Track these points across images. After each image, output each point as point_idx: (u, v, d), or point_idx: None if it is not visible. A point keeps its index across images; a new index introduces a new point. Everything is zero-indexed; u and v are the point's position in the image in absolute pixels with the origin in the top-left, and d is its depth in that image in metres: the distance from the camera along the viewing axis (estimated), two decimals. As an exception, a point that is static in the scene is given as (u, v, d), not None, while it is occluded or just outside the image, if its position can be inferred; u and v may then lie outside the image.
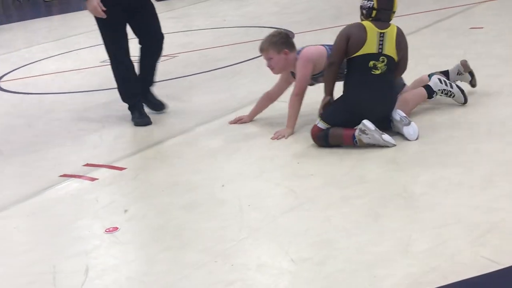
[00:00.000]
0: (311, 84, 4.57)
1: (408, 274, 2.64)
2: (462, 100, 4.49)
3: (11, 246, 3.39)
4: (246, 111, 5.13)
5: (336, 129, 4.07)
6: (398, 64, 4.17)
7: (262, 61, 6.74)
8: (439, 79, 4.48)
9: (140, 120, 5.11)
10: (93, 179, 4.13)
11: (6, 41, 10.99)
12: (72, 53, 8.85)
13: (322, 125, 4.12)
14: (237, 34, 8.62)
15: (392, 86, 4.20)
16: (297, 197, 3.50)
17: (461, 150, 3.82)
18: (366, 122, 3.94)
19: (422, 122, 4.20)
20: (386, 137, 3.96)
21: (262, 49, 4.57)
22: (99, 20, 4.97)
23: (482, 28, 6.80)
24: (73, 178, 4.18)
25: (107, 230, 3.39)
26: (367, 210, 3.26)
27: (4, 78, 7.66)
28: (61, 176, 4.25)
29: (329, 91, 4.20)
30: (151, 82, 5.29)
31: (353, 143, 4.02)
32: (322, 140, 4.11)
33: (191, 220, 3.41)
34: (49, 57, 8.75)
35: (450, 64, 4.76)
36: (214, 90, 5.89)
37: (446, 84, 4.47)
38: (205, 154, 4.35)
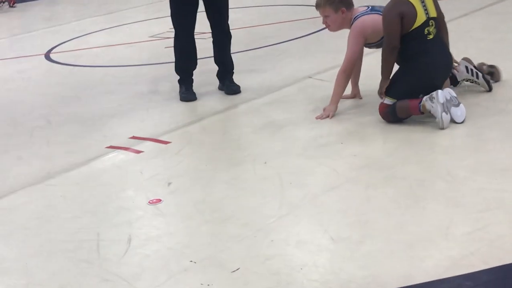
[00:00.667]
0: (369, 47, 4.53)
1: (447, 256, 2.63)
2: (487, 88, 4.46)
3: (57, 213, 3.49)
4: (291, 90, 5.16)
5: (402, 102, 4.08)
6: (439, 23, 4.19)
7: (309, 40, 6.72)
8: (466, 67, 4.45)
9: (186, 95, 5.18)
10: (138, 152, 4.20)
11: (58, 13, 11.20)
12: (123, 27, 8.96)
13: (388, 101, 4.13)
14: (285, 12, 8.59)
15: (447, 46, 4.25)
16: (338, 176, 3.51)
17: (507, 136, 3.76)
18: (440, 92, 3.94)
19: (468, 107, 4.15)
20: (446, 117, 3.91)
21: (319, 5, 4.47)
22: None
23: (536, 12, 6.64)
24: (119, 150, 4.27)
25: (151, 202, 3.46)
26: (408, 192, 3.25)
27: (55, 50, 7.82)
28: (107, 147, 4.34)
29: (388, 75, 4.19)
30: (227, 67, 5.30)
31: (419, 111, 4.01)
32: (391, 115, 4.12)
33: (232, 195, 3.45)
34: (100, 30, 8.87)
35: (501, 48, 4.68)
36: (260, 68, 5.91)
37: (472, 74, 4.45)
38: (249, 131, 4.39)
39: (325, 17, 4.47)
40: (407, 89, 4.11)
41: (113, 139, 4.48)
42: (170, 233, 3.14)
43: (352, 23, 4.42)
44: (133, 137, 4.45)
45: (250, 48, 6.69)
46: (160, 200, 3.46)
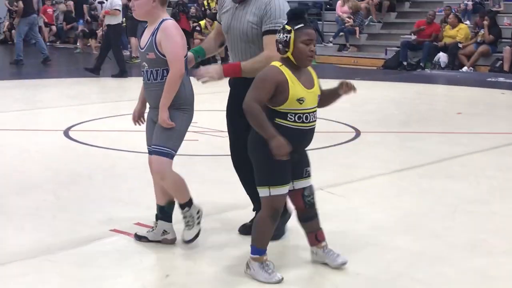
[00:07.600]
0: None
1: None
2: None
3: (51, 290, 3.44)
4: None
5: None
6: None
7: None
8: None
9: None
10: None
11: (82, 93, 11.43)
12: (142, 115, 9.09)
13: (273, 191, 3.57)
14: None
15: None
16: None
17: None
18: None
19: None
20: None
21: None
22: None
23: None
24: (122, 235, 4.26)
25: (145, 292, 3.41)
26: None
27: (75, 128, 7.94)
28: (111, 230, 4.33)
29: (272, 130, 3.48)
30: None
31: None
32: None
33: None
34: (120, 115, 9.02)
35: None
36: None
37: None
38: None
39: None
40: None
41: (118, 222, 4.48)
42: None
43: (161, 22, 4.13)
44: (138, 223, 4.45)
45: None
46: (154, 292, 3.42)
